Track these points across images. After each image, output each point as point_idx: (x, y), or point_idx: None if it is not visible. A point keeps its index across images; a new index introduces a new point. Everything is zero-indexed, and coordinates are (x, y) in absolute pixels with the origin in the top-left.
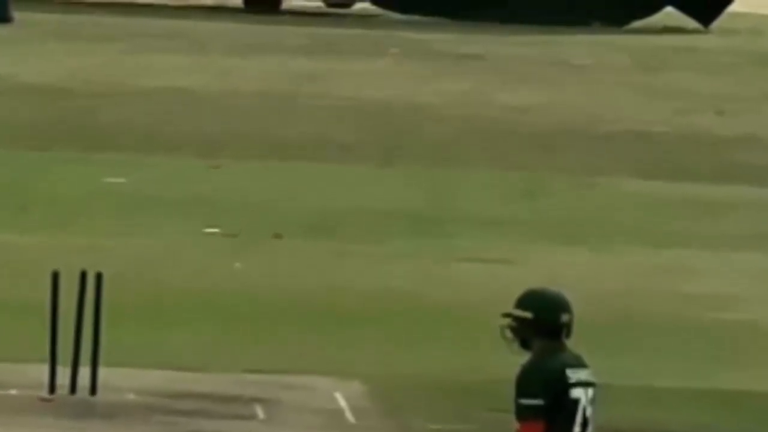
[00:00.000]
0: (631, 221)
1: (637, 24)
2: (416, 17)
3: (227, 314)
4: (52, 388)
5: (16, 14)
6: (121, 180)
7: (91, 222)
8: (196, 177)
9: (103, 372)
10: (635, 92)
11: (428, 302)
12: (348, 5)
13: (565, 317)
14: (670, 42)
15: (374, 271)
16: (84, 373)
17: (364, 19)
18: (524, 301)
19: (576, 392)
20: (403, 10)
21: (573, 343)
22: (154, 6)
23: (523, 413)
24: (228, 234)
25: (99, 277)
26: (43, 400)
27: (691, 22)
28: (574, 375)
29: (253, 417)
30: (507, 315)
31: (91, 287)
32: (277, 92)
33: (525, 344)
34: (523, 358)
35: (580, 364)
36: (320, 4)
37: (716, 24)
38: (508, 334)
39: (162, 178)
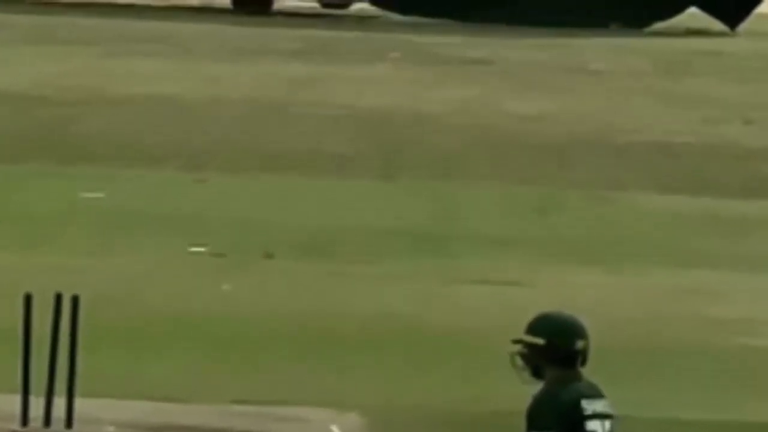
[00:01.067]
0: (651, 239)
1: (659, 26)
2: (418, 18)
3: (214, 340)
4: (25, 420)
5: None
6: (99, 195)
7: (67, 240)
8: (181, 192)
9: (79, 403)
10: (656, 100)
11: (431, 327)
12: (345, 6)
13: (580, 344)
14: (694, 45)
15: (373, 293)
16: (59, 404)
17: (362, 20)
18: (536, 327)
19: (592, 425)
20: (404, 11)
21: (589, 372)
22: (136, 6)
23: None
24: (215, 253)
25: (75, 300)
26: None
27: (716, 24)
28: (590, 406)
29: None
30: (517, 341)
31: (67, 311)
32: (268, 100)
33: (537, 373)
34: (535, 388)
35: (596, 394)
36: (315, 4)
37: (744, 26)
38: (519, 361)
39: (144, 193)
